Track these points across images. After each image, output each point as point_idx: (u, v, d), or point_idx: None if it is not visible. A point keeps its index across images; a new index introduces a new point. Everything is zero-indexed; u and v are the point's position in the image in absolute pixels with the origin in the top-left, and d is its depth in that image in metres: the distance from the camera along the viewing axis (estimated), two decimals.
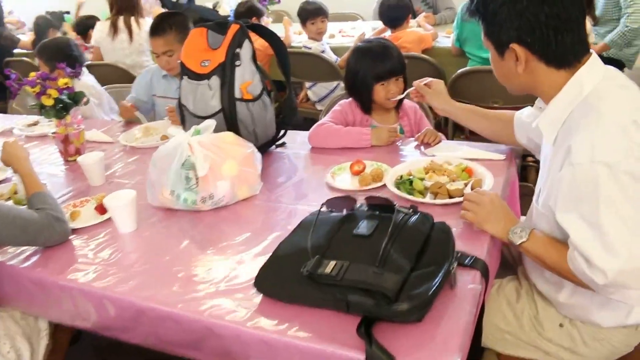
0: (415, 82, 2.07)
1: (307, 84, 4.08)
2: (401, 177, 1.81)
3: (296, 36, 4.54)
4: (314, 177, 2.00)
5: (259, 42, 2.24)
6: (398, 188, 1.75)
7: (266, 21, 4.62)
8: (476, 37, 3.37)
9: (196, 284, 1.43)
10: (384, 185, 1.81)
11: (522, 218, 1.73)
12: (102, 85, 4.14)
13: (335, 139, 2.20)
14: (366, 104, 2.30)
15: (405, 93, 2.16)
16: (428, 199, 1.71)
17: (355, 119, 2.34)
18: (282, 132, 2.24)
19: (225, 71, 2.00)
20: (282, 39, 2.22)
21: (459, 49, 3.54)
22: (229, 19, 4.97)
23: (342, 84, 3.91)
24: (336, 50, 4.07)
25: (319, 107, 4.06)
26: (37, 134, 2.78)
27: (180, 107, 2.14)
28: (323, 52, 3.93)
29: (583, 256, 1.28)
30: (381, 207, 1.42)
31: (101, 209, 1.83)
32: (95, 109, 3.05)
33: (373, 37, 3.71)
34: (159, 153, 1.85)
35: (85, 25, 4.91)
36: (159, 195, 1.82)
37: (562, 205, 1.34)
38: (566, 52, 1.37)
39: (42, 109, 2.29)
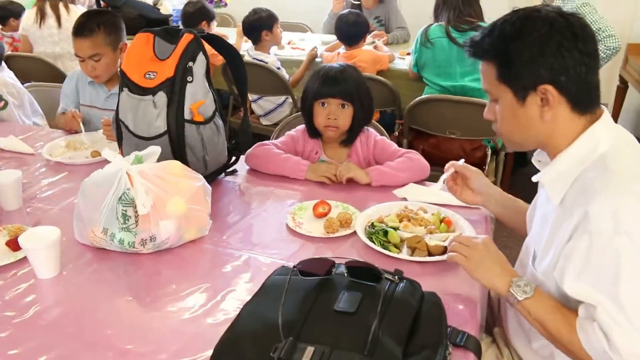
0: (456, 164, 1.66)
1: (251, 97, 3.80)
2: (372, 224, 1.60)
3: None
4: (271, 215, 1.76)
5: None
6: (371, 239, 1.55)
7: (214, 24, 4.30)
8: (435, 64, 3.24)
9: (135, 357, 1.16)
10: (354, 233, 1.60)
11: None
12: (24, 81, 3.76)
13: (272, 164, 2.00)
14: (310, 127, 2.08)
15: (443, 180, 1.65)
16: (405, 254, 1.51)
17: (305, 148, 2.11)
18: (233, 158, 1.98)
19: (174, 87, 1.73)
20: None
21: (417, 74, 3.39)
22: (171, 18, 4.70)
23: (289, 100, 3.69)
24: (285, 63, 3.83)
25: (264, 122, 3.81)
26: None
27: (118, 122, 1.85)
28: (279, 68, 3.67)
29: (603, 331, 1.14)
30: (364, 273, 1.20)
31: (15, 245, 1.52)
32: (15, 111, 2.68)
33: (336, 61, 3.52)
34: (91, 180, 1.56)
35: (5, 11, 4.42)
36: (89, 233, 1.53)
37: (575, 276, 1.18)
38: (592, 94, 1.26)
39: None
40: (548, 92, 1.22)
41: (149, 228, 1.48)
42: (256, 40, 3.81)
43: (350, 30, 3.54)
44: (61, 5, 3.95)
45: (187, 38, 1.76)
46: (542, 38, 1.21)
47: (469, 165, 1.68)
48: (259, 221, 1.73)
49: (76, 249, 1.57)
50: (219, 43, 1.93)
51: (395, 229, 1.59)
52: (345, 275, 1.21)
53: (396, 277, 1.21)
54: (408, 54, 3.72)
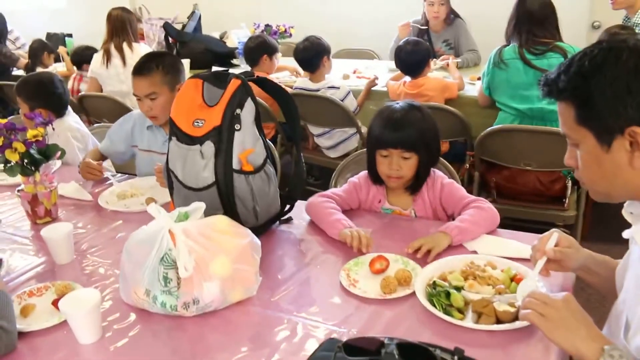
0: (549, 251, 1.37)
1: (315, 133, 3.72)
2: (434, 283, 1.45)
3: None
4: (326, 272, 1.63)
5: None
6: (431, 302, 1.39)
7: (277, 56, 4.25)
8: (509, 86, 3.05)
9: None
10: (413, 294, 1.45)
11: None
12: (97, 119, 3.87)
13: (318, 218, 1.88)
14: (372, 173, 1.94)
15: (537, 272, 1.36)
16: (469, 320, 1.35)
17: (369, 195, 1.98)
18: (287, 206, 1.89)
19: (222, 136, 1.66)
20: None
21: (489, 98, 3.20)
22: (237, 51, 4.72)
23: (357, 136, 3.57)
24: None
25: (331, 154, 3.69)
26: (3, 184, 2.39)
27: (168, 171, 1.79)
28: (348, 93, 3.58)
29: None
30: (417, 354, 1.06)
31: None
32: (79, 154, 2.71)
33: (401, 91, 3.40)
34: (134, 239, 1.50)
35: (81, 56, 4.60)
36: (132, 294, 1.46)
37: None
38: None
39: (5, 165, 1.95)
40: (638, 135, 1.05)
41: (192, 291, 1.39)
42: (315, 69, 3.70)
43: (409, 59, 3.36)
44: (125, 45, 4.07)
45: (234, 84, 1.68)
46: (629, 71, 1.05)
47: (563, 237, 1.40)
48: (312, 277, 1.62)
49: (121, 308, 1.51)
50: (270, 86, 1.86)
51: (460, 288, 1.43)
52: (396, 356, 1.07)
53: (455, 357, 1.06)
54: (479, 78, 3.53)
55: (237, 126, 1.67)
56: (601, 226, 3.27)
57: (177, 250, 1.39)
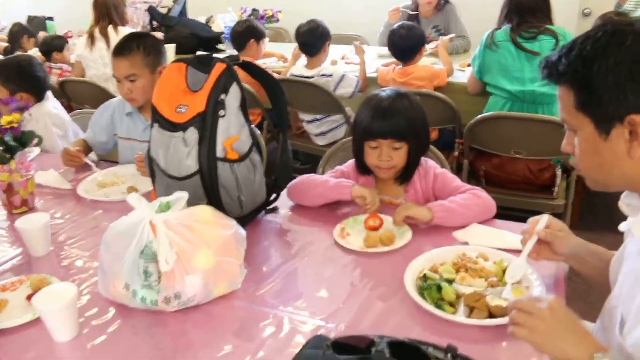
0: (540, 232, 1.36)
1: (304, 119, 3.66)
2: (425, 276, 1.41)
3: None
4: (312, 264, 1.58)
5: None
6: (422, 295, 1.35)
7: (265, 42, 4.16)
8: (500, 67, 3.00)
9: None
10: (396, 251, 1.55)
11: None
12: (78, 104, 3.78)
13: (312, 191, 1.84)
14: (359, 163, 1.89)
15: (526, 254, 1.36)
16: (461, 314, 1.30)
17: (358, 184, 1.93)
18: (273, 195, 1.83)
19: (206, 123, 1.59)
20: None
21: (480, 82, 3.15)
22: (223, 36, 4.62)
23: (346, 125, 3.51)
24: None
25: (319, 141, 3.63)
26: None
27: (150, 160, 1.73)
28: (343, 76, 3.47)
29: None
30: (409, 352, 1.01)
31: None
32: (58, 141, 2.63)
33: (390, 78, 3.35)
34: (113, 231, 1.43)
35: (49, 45, 4.52)
36: (111, 288, 1.40)
37: None
38: None
39: None
40: (638, 124, 1.01)
41: (173, 285, 1.34)
42: (316, 52, 3.57)
43: (402, 43, 3.30)
44: (110, 28, 4.04)
45: (218, 68, 1.61)
46: (632, 57, 1.00)
47: (554, 221, 1.37)
48: (299, 269, 1.56)
49: (100, 303, 1.44)
50: (256, 71, 1.79)
51: (451, 281, 1.39)
52: (387, 354, 1.02)
53: (448, 355, 1.01)
54: (468, 65, 3.47)
55: (221, 112, 1.60)
56: (590, 215, 3.25)
57: (158, 243, 1.33)
